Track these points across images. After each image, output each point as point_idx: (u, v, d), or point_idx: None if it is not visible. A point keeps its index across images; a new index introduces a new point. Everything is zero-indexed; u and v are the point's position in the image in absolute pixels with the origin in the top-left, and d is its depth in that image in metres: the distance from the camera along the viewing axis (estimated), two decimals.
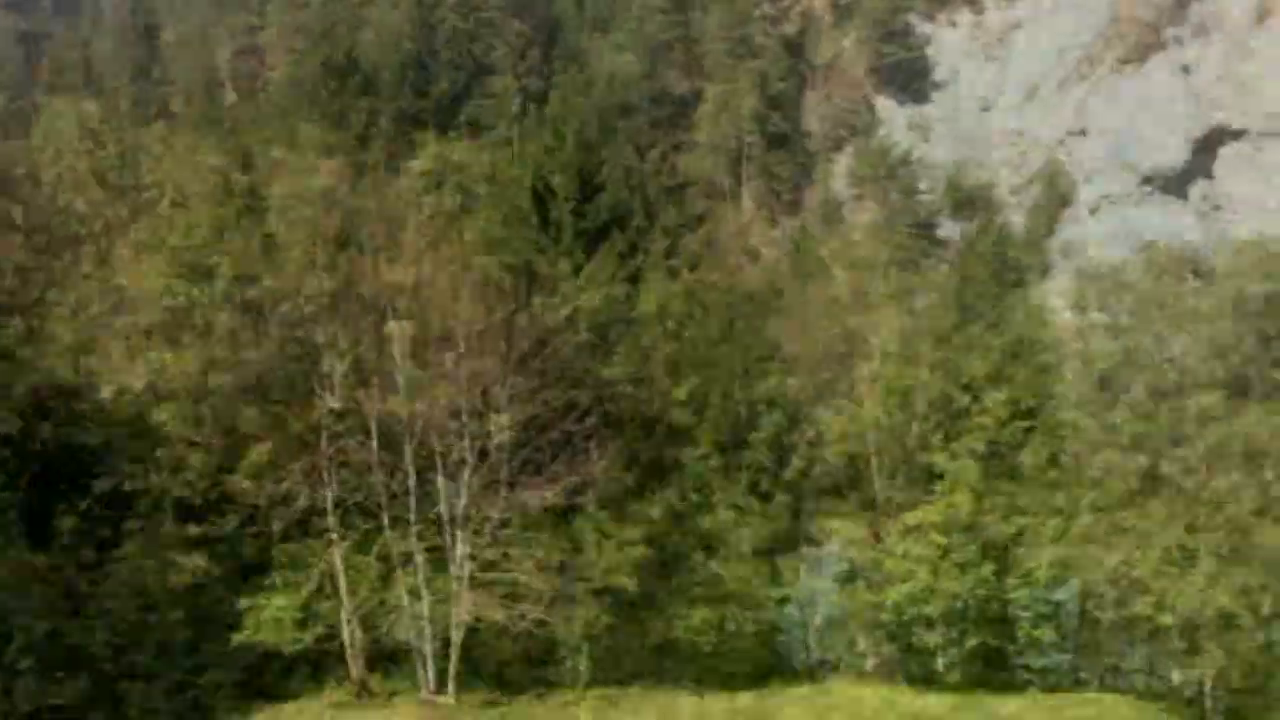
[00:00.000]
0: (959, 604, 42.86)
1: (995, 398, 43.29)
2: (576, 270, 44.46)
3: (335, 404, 37.53)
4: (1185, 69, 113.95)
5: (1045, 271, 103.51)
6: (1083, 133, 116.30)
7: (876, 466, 44.21)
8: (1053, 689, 46.98)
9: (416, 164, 41.86)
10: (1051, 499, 43.50)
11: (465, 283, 37.11)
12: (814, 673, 46.33)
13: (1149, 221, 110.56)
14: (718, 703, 39.88)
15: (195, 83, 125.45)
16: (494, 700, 38.77)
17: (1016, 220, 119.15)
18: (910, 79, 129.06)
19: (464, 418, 37.45)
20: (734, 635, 42.00)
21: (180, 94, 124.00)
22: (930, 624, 43.69)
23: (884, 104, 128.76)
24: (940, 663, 45.45)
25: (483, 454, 37.41)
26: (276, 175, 38.55)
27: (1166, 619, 41.09)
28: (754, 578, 42.53)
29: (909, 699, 42.80)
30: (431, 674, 38.37)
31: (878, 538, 44.11)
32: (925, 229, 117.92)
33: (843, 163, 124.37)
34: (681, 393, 42.68)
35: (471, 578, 37.56)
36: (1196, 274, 44.61)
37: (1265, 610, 41.29)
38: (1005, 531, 43.12)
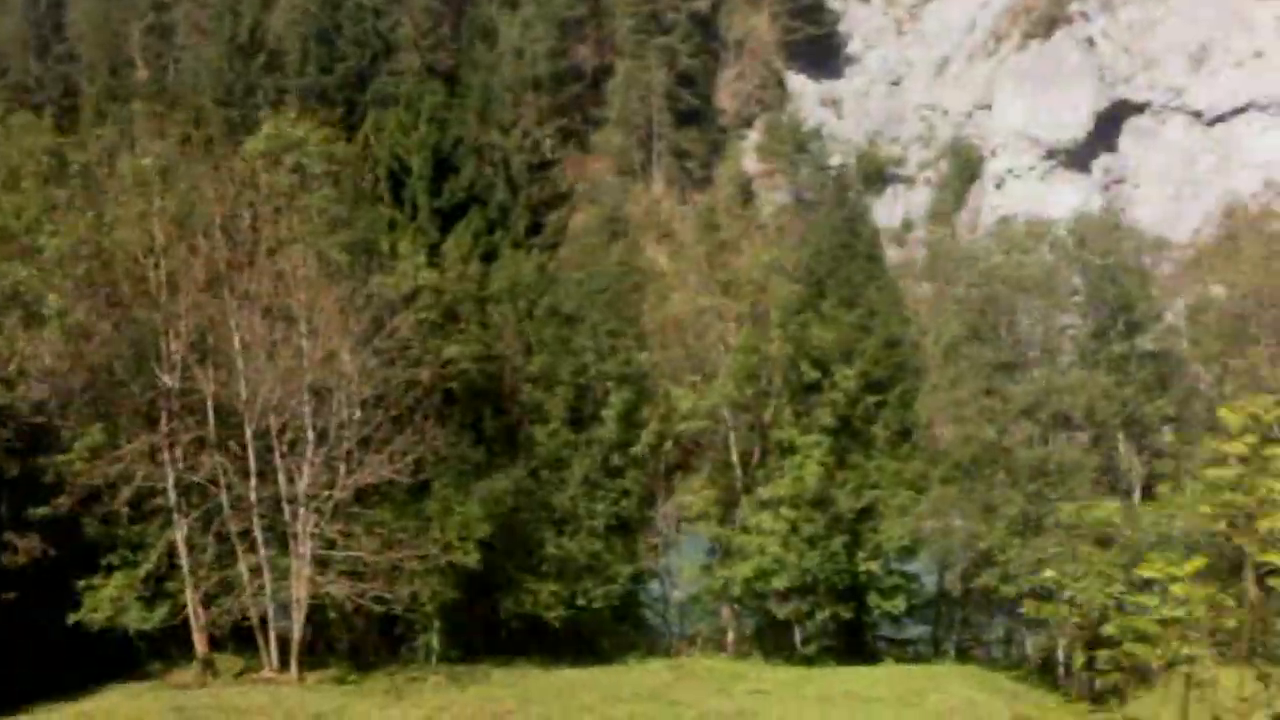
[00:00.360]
0: (809, 578, 43.32)
1: (845, 372, 43.68)
2: (432, 248, 44.43)
3: (173, 383, 37.39)
4: (1090, 42, 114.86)
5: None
6: (988, 108, 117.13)
7: (731, 441, 44.57)
8: (912, 660, 47.71)
9: (252, 141, 41.37)
10: (903, 472, 44.01)
11: (302, 261, 37.07)
12: (674, 647, 46.76)
13: (1053, 195, 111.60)
14: (569, 676, 40.23)
15: (101, 61, 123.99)
16: (340, 677, 38.88)
17: (925, 194, 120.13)
18: (823, 55, 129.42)
19: (305, 396, 37.45)
20: (586, 611, 42.25)
21: (86, 73, 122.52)
22: (784, 597, 44.16)
23: (796, 80, 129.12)
24: (798, 636, 45.98)
25: (323, 433, 37.43)
26: (112, 154, 38.20)
27: (1011, 589, 41.77)
28: (607, 553, 42.77)
29: (759, 671, 43.33)
30: (275, 652, 38.39)
31: (731, 513, 44.53)
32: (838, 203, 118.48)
33: (754, 139, 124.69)
34: (533, 368, 42.80)
35: (314, 556, 37.57)
36: (1054, 248, 45.19)
37: (1113, 583, 41.86)
38: (856, 505, 43.60)
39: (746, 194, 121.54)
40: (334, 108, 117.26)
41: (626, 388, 42.88)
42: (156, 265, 37.39)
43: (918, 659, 47.16)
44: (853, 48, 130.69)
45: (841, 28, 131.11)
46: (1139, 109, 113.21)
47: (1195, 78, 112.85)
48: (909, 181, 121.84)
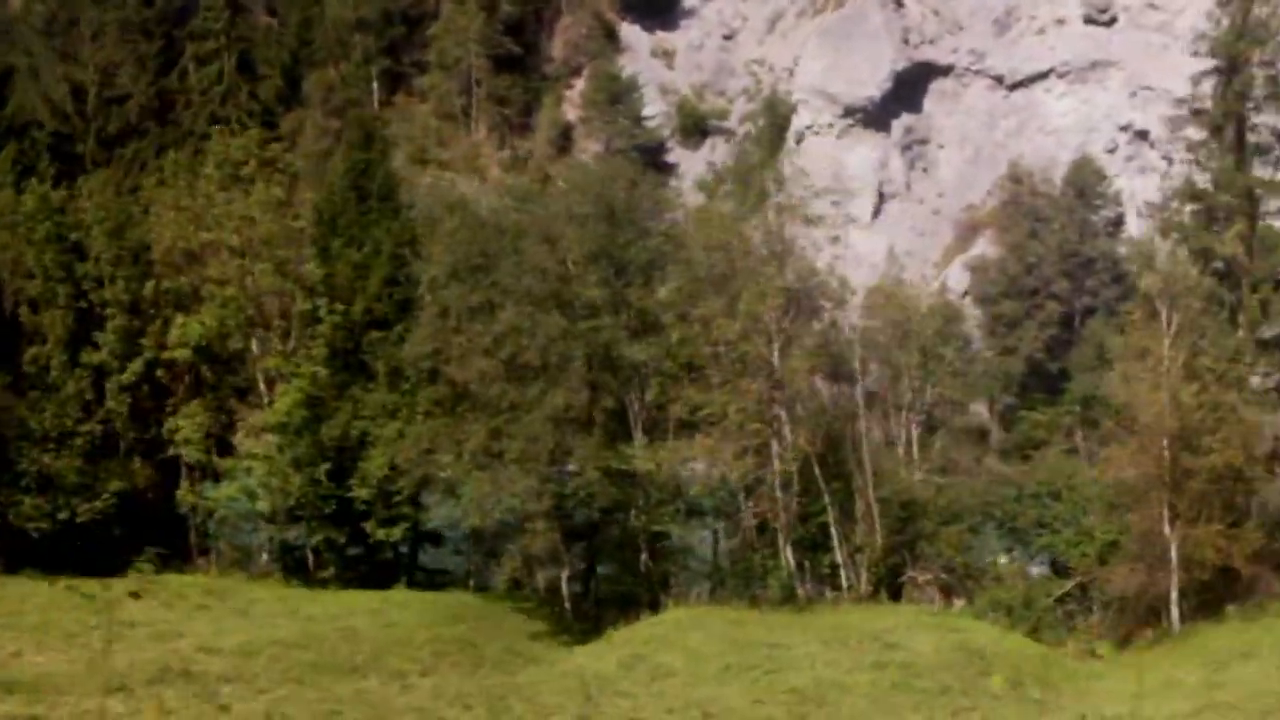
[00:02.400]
0: (291, 501, 45.34)
1: (337, 306, 45.53)
2: None
3: None
4: (899, 3, 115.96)
5: None
6: (795, 63, 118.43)
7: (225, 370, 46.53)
8: (440, 587, 49.80)
9: None
10: (391, 405, 45.91)
11: None
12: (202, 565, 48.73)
13: (851, 153, 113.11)
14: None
15: None
16: None
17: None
18: (660, 7, 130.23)
19: None
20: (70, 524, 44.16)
21: None
22: (271, 520, 46.22)
23: (630, 31, 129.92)
24: (311, 561, 48.07)
25: None
26: None
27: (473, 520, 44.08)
28: (101, 472, 44.73)
29: (249, 590, 45.41)
30: None
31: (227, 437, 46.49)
32: (651, 153, 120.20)
33: (580, 88, 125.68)
34: (31, 292, 44.62)
35: None
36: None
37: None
38: (337, 434, 45.53)
39: (566, 142, 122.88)
40: (153, 41, 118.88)
41: (123, 314, 44.70)
42: None
43: (438, 587, 49.09)
44: (690, 1, 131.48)
45: None
46: (944, 71, 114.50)
47: (998, 42, 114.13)
48: (729, 135, 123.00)
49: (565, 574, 45.07)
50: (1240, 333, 44.27)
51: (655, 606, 44.88)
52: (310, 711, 29.80)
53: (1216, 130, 46.21)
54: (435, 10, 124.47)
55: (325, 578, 47.92)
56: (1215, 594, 43.35)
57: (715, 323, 43.46)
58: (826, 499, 46.01)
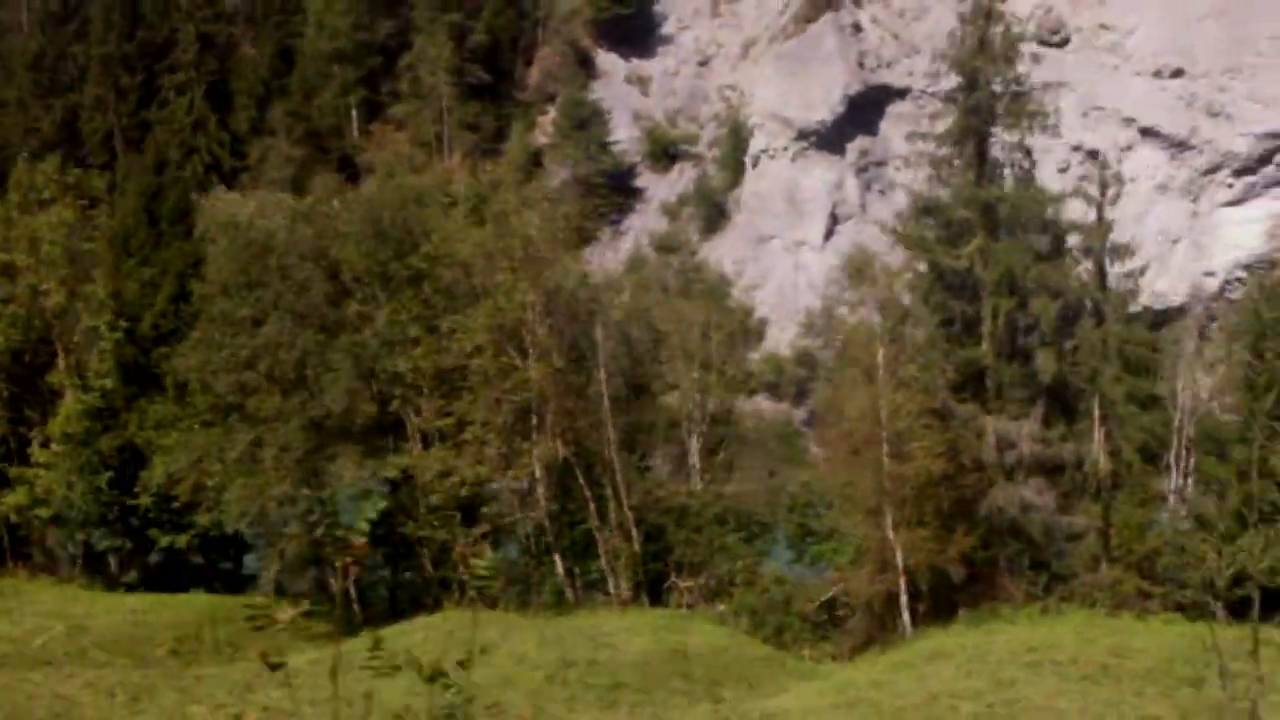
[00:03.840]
0: (75, 510, 47.77)
1: (121, 323, 47.97)
2: None
3: None
4: (857, 27, 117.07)
5: None
6: (742, 90, 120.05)
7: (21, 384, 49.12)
8: (237, 591, 51.92)
9: None
10: (169, 416, 48.18)
11: None
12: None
13: (806, 176, 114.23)
14: None
15: None
16: None
17: (711, 171, 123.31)
18: (638, 34, 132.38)
19: None
20: None
21: None
22: (59, 524, 48.62)
23: (607, 59, 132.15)
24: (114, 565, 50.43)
25: None
26: None
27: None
28: None
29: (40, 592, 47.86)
30: None
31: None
32: (618, 178, 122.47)
33: (553, 114, 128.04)
34: None
35: None
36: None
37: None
38: (115, 443, 47.87)
39: (536, 167, 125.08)
40: (135, 75, 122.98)
41: None
42: None
43: (234, 591, 51.21)
44: (667, 28, 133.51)
45: (658, 8, 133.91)
46: (900, 94, 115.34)
47: None
48: (697, 159, 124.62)
49: (331, 577, 46.84)
50: (983, 345, 45.07)
51: (434, 609, 46.51)
52: None
53: (956, 145, 47.21)
54: (411, 41, 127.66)
55: (128, 581, 50.20)
56: (949, 599, 44.28)
57: (458, 335, 45.15)
58: (593, 507, 47.47)
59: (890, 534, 43.11)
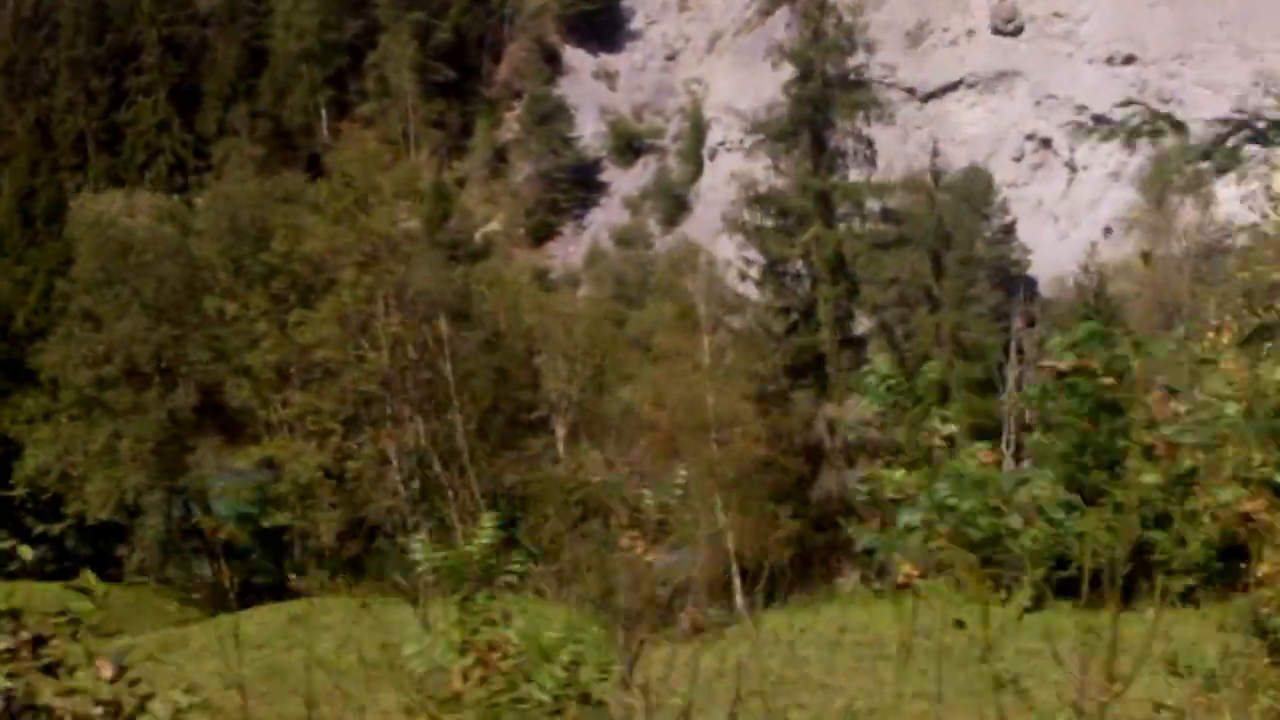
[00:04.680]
0: None
1: None
2: None
3: None
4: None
5: None
6: (707, 84, 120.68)
7: None
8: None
9: None
10: (47, 409, 49.59)
11: None
12: None
13: (760, 168, 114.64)
14: None
15: None
16: None
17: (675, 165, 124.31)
18: (606, 30, 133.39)
19: None
20: None
21: None
22: None
23: (573, 54, 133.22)
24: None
25: None
26: None
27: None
28: None
29: None
30: None
31: None
32: (583, 172, 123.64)
33: (519, 111, 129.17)
34: None
35: None
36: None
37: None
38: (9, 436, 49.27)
39: (502, 163, 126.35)
40: (104, 79, 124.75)
41: None
42: None
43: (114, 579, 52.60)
44: (635, 23, 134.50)
45: (625, 4, 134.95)
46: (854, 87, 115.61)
47: (910, 55, 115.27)
48: (661, 153, 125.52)
49: (192, 563, 48.29)
50: (824, 332, 45.88)
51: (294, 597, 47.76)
52: None
53: (792, 136, 48.02)
54: (376, 40, 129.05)
55: (13, 570, 51.56)
56: (787, 582, 45.18)
57: (301, 328, 46.31)
58: (451, 494, 48.58)
59: (721, 517, 44.03)
